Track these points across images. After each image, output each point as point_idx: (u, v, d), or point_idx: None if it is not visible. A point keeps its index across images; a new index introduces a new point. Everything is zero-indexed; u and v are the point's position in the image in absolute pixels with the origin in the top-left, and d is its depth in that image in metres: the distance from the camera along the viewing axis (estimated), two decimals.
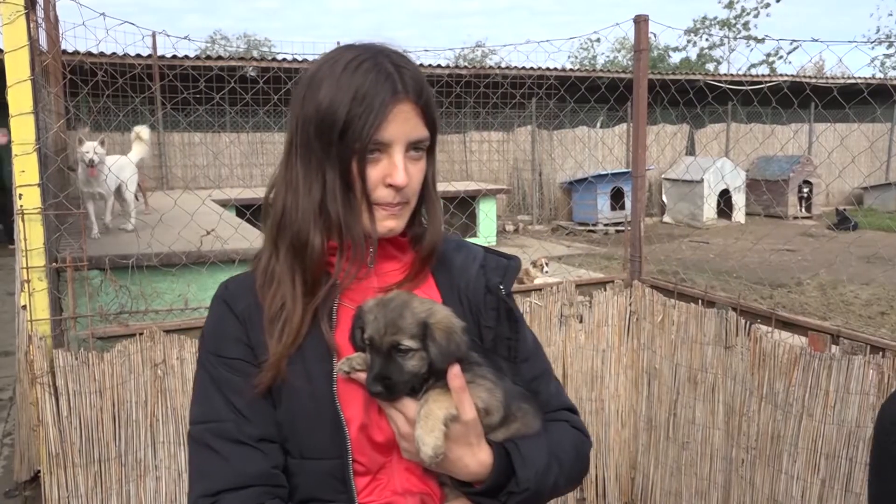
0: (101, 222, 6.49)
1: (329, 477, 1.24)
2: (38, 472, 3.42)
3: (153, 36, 9.63)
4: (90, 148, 6.32)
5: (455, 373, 1.18)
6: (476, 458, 1.22)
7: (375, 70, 1.22)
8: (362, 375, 1.22)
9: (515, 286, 2.10)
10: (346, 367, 1.23)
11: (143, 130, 7.43)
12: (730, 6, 38.41)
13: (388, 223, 1.28)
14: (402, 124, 1.22)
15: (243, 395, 1.24)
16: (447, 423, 1.17)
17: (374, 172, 1.24)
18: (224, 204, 7.48)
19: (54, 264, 2.95)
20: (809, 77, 19.33)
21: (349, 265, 1.30)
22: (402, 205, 1.29)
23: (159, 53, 12.68)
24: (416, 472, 1.28)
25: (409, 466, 1.28)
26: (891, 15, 61.06)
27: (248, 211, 4.89)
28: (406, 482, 1.28)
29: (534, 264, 9.65)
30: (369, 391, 1.19)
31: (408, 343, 1.19)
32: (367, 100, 1.20)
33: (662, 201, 18.55)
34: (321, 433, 1.24)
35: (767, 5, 37.99)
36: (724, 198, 17.33)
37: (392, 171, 1.24)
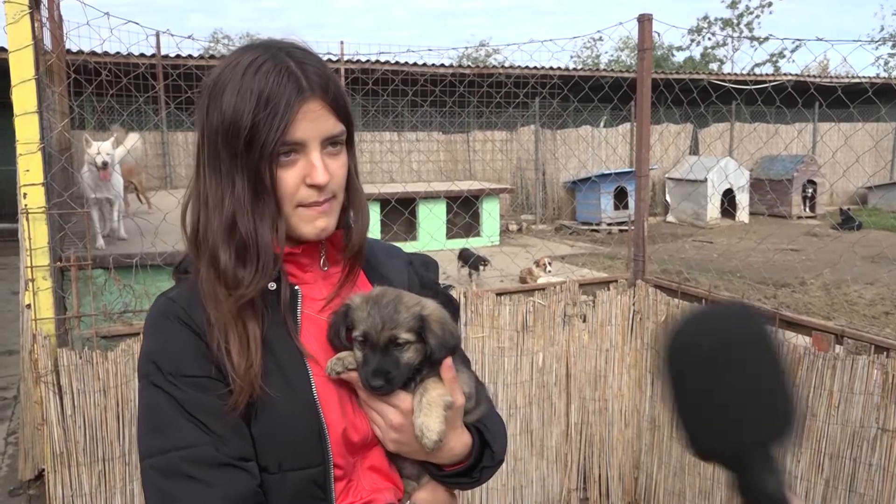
0: (110, 225, 6.48)
1: (310, 485, 1.21)
2: (43, 470, 3.42)
3: (157, 35, 9.66)
4: (102, 149, 5.96)
5: (449, 364, 1.25)
6: (461, 441, 1.30)
7: (277, 70, 1.18)
8: (353, 375, 1.23)
9: (519, 286, 2.12)
10: (339, 367, 1.23)
11: (119, 133, 6.99)
12: (733, 5, 38.33)
13: (319, 223, 1.26)
14: (313, 122, 1.20)
15: (216, 414, 1.16)
16: (446, 410, 1.23)
17: (293, 174, 1.21)
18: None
19: (58, 263, 2.96)
20: (814, 76, 19.28)
21: (300, 271, 1.31)
22: (329, 201, 1.26)
23: (163, 53, 12.70)
24: (381, 470, 1.31)
25: (372, 465, 1.30)
26: (895, 14, 60.89)
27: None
28: (372, 480, 1.29)
29: (537, 264, 9.65)
30: (369, 386, 1.20)
31: (405, 336, 1.22)
32: (271, 103, 1.16)
33: (666, 201, 18.52)
34: (305, 440, 1.21)
35: (770, 4, 37.92)
36: (728, 197, 17.29)
37: (311, 171, 1.21)
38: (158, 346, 1.22)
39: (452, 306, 1.44)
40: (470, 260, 10.43)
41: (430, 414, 1.20)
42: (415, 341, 1.23)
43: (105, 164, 5.98)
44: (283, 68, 1.18)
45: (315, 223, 1.25)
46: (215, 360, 1.19)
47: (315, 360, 1.25)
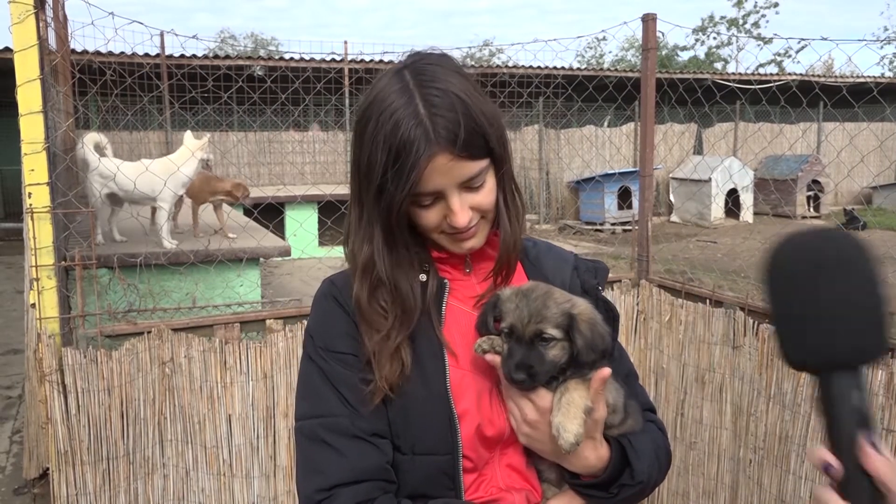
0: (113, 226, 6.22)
1: (439, 473, 1.25)
2: (47, 469, 3.44)
3: (161, 35, 9.66)
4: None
5: (603, 377, 1.20)
6: (596, 453, 1.25)
7: (406, 121, 1.15)
8: (496, 359, 1.22)
9: None
10: (486, 345, 1.23)
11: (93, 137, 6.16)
12: (739, 5, 38.27)
13: (467, 245, 1.29)
14: (444, 175, 1.18)
15: (355, 390, 1.24)
16: (586, 414, 1.19)
17: (433, 214, 1.24)
18: (232, 203, 7.48)
19: (63, 262, 2.96)
20: (818, 76, 19.24)
21: (452, 269, 1.35)
22: (476, 226, 1.28)
23: (167, 53, 12.72)
24: (518, 469, 1.31)
25: (510, 463, 1.30)
26: None
27: (255, 210, 4.90)
28: (508, 479, 1.30)
29: None
30: (511, 378, 1.19)
31: (552, 332, 1.20)
32: (399, 160, 1.16)
33: (670, 200, 18.49)
34: (434, 429, 1.24)
35: (776, 3, 37.85)
36: (732, 197, 17.26)
37: (450, 214, 1.23)
38: (315, 322, 1.33)
39: (611, 314, 1.40)
40: None
41: (568, 414, 1.17)
42: (561, 339, 1.21)
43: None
44: (413, 119, 1.16)
45: (462, 245, 1.29)
46: (362, 340, 1.27)
47: (453, 353, 1.28)
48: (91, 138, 5.43)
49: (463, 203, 1.22)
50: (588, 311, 1.25)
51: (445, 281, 1.32)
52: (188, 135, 6.02)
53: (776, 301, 0.93)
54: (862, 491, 0.87)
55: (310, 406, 1.28)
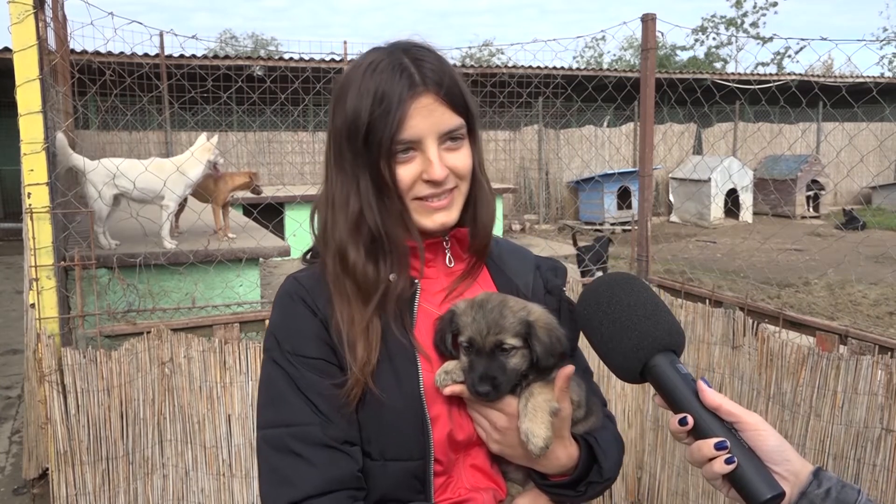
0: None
1: (410, 477, 1.24)
2: (47, 469, 3.44)
3: (161, 35, 9.67)
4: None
5: (566, 375, 1.22)
6: (566, 452, 1.26)
7: (391, 68, 1.21)
8: (458, 388, 1.22)
9: None
10: (447, 380, 1.23)
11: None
12: (737, 5, 38.28)
13: (438, 217, 1.28)
14: (427, 118, 1.21)
15: (326, 396, 1.21)
16: (552, 416, 1.19)
17: (410, 170, 1.24)
18: (231, 203, 7.48)
19: (62, 263, 2.96)
20: (818, 76, 19.24)
21: (422, 266, 1.33)
22: (449, 193, 1.28)
23: (167, 53, 12.72)
24: (483, 469, 1.30)
25: (475, 463, 1.30)
26: None
27: (254, 210, 4.89)
28: (473, 479, 1.29)
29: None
30: (476, 392, 1.19)
31: (511, 341, 1.20)
32: (385, 100, 1.19)
33: (669, 200, 18.50)
34: (407, 434, 1.23)
35: (776, 3, 37.86)
36: (732, 197, 17.26)
37: (428, 167, 1.23)
38: (281, 324, 1.28)
39: (572, 314, 1.40)
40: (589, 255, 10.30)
41: (535, 419, 1.18)
42: (521, 347, 1.21)
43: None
44: (397, 65, 1.21)
45: (433, 217, 1.28)
46: (334, 346, 1.23)
47: (427, 356, 1.26)
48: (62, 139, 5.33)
49: (441, 157, 1.24)
50: (544, 316, 1.26)
51: (416, 281, 1.31)
52: (202, 137, 6.03)
53: (591, 338, 1.12)
54: (714, 425, 0.99)
55: (276, 414, 1.23)
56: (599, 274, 10.99)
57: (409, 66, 1.21)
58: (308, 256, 1.39)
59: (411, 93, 1.20)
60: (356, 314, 1.23)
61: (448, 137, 1.25)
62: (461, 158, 1.27)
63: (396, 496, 1.23)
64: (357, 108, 1.21)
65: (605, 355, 1.09)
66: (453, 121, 1.24)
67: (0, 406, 6.06)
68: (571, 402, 1.26)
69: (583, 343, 1.26)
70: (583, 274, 10.53)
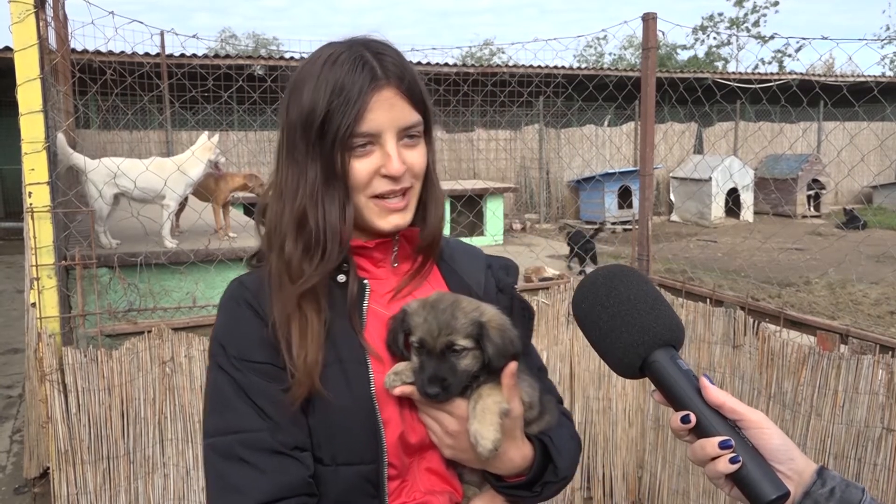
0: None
1: (363, 482, 1.21)
2: (48, 468, 3.44)
3: (161, 34, 9.66)
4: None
5: (512, 371, 1.20)
6: (520, 452, 1.24)
7: (352, 60, 1.19)
8: (408, 389, 1.20)
9: (523, 284, 2.11)
10: (397, 381, 1.21)
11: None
12: (739, 4, 38.26)
13: (393, 219, 1.26)
14: (387, 111, 1.20)
15: (274, 401, 1.18)
16: (501, 417, 1.18)
17: (367, 163, 1.22)
18: (232, 202, 7.48)
19: (63, 262, 2.96)
20: (819, 75, 19.23)
21: (372, 265, 1.31)
22: (406, 195, 1.27)
23: (168, 52, 12.71)
24: (439, 472, 1.28)
25: (430, 467, 1.28)
26: None
27: (255, 209, 4.88)
28: (428, 482, 1.28)
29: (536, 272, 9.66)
30: (425, 394, 1.17)
31: (463, 343, 1.18)
32: (345, 91, 1.17)
33: (670, 200, 18.49)
34: (359, 437, 1.21)
35: (777, 3, 37.83)
36: (733, 196, 17.26)
37: (386, 161, 1.21)
38: (226, 329, 1.25)
39: (527, 312, 1.41)
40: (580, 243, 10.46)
41: (483, 421, 1.16)
42: (473, 348, 1.19)
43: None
44: (358, 58, 1.20)
45: (389, 218, 1.26)
46: (280, 349, 1.20)
47: (378, 358, 1.24)
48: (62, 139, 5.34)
49: (399, 153, 1.22)
50: (497, 317, 1.24)
51: (365, 282, 1.29)
52: (203, 136, 6.03)
53: (589, 333, 1.09)
54: (718, 423, 0.98)
55: (223, 421, 1.20)
56: (589, 263, 11.16)
57: (370, 59, 1.20)
58: (254, 261, 1.37)
59: (373, 85, 1.18)
60: (292, 312, 1.21)
61: (406, 134, 1.24)
62: (417, 157, 1.26)
63: (350, 501, 1.21)
64: (314, 100, 1.19)
65: (604, 350, 1.07)
66: (413, 116, 1.24)
67: (1, 405, 6.06)
68: (522, 402, 1.24)
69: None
70: (578, 258, 10.88)
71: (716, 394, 0.98)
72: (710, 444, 0.96)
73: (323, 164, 1.21)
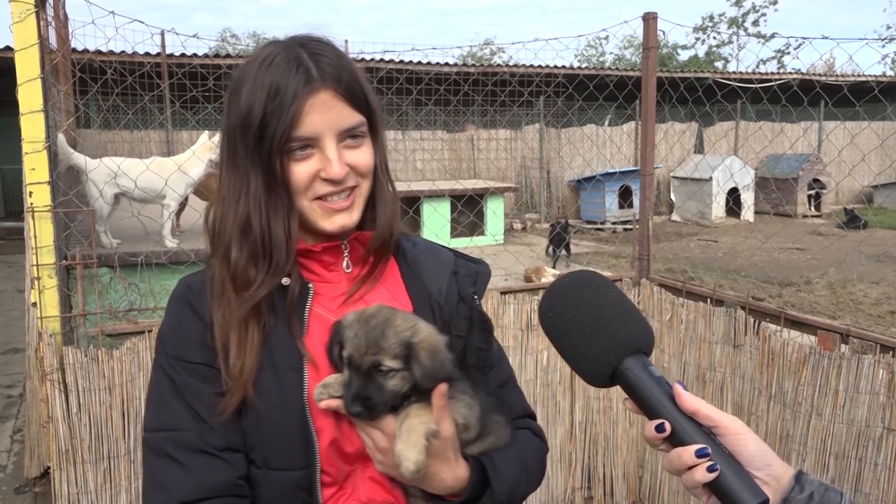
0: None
1: (295, 488, 1.20)
2: (48, 468, 3.44)
3: (162, 34, 9.67)
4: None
5: (441, 392, 1.15)
6: (453, 474, 1.20)
7: (287, 62, 1.16)
8: (336, 403, 1.16)
9: (524, 284, 2.10)
10: (325, 395, 1.18)
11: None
12: (738, 4, 38.24)
13: (338, 219, 1.24)
14: (324, 114, 1.17)
15: (207, 402, 1.18)
16: (428, 438, 1.14)
17: (306, 167, 1.19)
18: None
19: (64, 262, 2.96)
20: (819, 75, 19.22)
21: (323, 269, 1.29)
22: (350, 192, 1.24)
23: (168, 51, 12.72)
24: (382, 483, 1.25)
25: (373, 476, 1.25)
26: None
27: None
28: (370, 491, 1.25)
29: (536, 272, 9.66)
30: (348, 412, 1.14)
31: (390, 364, 1.15)
32: (280, 94, 1.15)
33: (671, 199, 18.49)
34: (290, 444, 1.19)
35: (776, 2, 37.83)
36: (733, 196, 17.25)
37: (326, 165, 1.19)
38: (167, 328, 1.26)
39: (486, 325, 1.37)
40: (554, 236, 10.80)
41: (408, 441, 1.12)
42: (400, 369, 1.15)
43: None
44: (293, 59, 1.17)
45: (333, 219, 1.24)
46: (217, 351, 1.20)
47: (315, 364, 1.21)
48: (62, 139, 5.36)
49: (340, 155, 1.19)
50: (430, 338, 1.19)
51: (310, 285, 1.26)
52: (203, 136, 6.03)
53: (557, 343, 1.06)
54: (693, 431, 0.95)
55: (158, 418, 1.21)
56: (563, 253, 11.54)
57: (306, 60, 1.17)
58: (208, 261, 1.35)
59: (307, 88, 1.15)
60: (232, 319, 1.19)
61: (348, 135, 1.21)
62: (362, 156, 1.23)
63: None
64: (250, 103, 1.17)
65: (573, 360, 1.04)
66: (353, 118, 1.20)
67: (2, 405, 6.07)
68: (456, 423, 1.20)
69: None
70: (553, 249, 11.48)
71: (690, 400, 0.96)
72: (687, 453, 0.94)
73: (263, 170, 1.19)
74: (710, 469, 0.91)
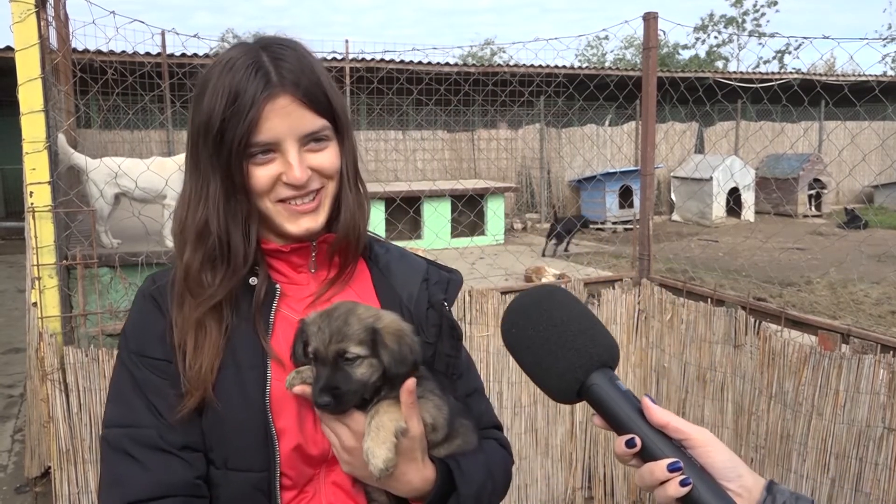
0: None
1: (254, 490, 1.19)
2: (49, 468, 3.44)
3: (162, 34, 9.65)
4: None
5: (409, 388, 1.14)
6: (420, 474, 1.18)
7: (247, 66, 1.15)
8: (306, 389, 1.15)
9: (524, 284, 2.10)
10: (297, 380, 1.17)
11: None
12: (737, 4, 38.25)
13: (303, 222, 1.23)
14: (283, 119, 1.16)
15: (167, 399, 1.17)
16: (397, 436, 1.13)
17: (268, 171, 1.18)
18: None
19: (64, 262, 2.96)
20: (820, 74, 19.22)
21: (292, 271, 1.28)
22: (315, 195, 1.23)
23: (168, 51, 12.71)
24: (344, 487, 1.24)
25: (336, 480, 1.24)
26: None
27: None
28: (333, 496, 1.24)
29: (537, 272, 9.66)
30: (316, 404, 1.12)
31: (355, 350, 1.13)
32: (239, 99, 1.14)
33: (671, 199, 18.48)
34: (249, 445, 1.18)
35: (775, 2, 37.83)
36: (734, 196, 17.24)
37: (287, 170, 1.18)
38: (131, 323, 1.26)
39: (454, 332, 1.36)
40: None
41: (377, 439, 1.11)
42: (367, 355, 1.14)
43: None
44: (253, 63, 1.16)
45: (299, 222, 1.23)
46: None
47: (281, 364, 1.20)
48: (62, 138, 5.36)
49: (302, 159, 1.18)
50: (394, 323, 1.19)
51: (277, 286, 1.25)
52: None
53: (521, 361, 1.03)
54: (664, 444, 0.93)
55: (118, 413, 1.20)
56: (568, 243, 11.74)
57: (266, 64, 1.16)
58: None
59: (266, 93, 1.14)
60: (189, 320, 1.19)
61: (311, 139, 1.19)
62: (326, 158, 1.22)
63: None
64: (211, 108, 1.16)
65: (539, 377, 1.01)
66: (315, 122, 1.19)
67: (2, 405, 6.07)
68: (424, 423, 1.19)
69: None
70: (557, 239, 11.72)
71: (659, 414, 0.94)
72: (659, 468, 0.92)
73: (223, 175, 1.18)
74: (683, 483, 0.90)
